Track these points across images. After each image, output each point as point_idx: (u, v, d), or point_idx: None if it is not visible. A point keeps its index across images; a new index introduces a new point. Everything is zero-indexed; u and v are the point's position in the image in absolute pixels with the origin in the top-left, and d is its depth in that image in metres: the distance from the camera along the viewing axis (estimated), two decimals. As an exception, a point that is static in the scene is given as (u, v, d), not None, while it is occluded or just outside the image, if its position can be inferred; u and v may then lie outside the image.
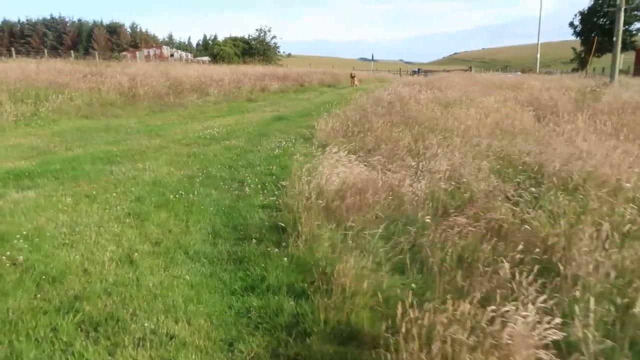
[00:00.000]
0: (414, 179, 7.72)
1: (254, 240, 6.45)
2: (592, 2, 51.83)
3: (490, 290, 3.52)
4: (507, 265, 3.74)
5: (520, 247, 4.31)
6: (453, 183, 7.50)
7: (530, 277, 3.55)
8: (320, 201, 6.76)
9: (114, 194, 8.13)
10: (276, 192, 8.61)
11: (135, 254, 5.79)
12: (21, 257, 5.38)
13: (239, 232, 6.92)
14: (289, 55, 68.22)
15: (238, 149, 12.34)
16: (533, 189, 6.70)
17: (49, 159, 10.97)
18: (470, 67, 56.82)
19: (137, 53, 79.80)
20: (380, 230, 5.99)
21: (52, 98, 17.98)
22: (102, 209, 7.31)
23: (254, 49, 64.64)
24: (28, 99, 17.53)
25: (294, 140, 13.43)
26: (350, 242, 5.83)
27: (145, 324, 4.24)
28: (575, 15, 53.82)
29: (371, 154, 10.13)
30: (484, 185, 7.05)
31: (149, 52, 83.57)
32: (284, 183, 8.69)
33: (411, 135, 11.33)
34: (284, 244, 6.21)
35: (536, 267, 3.68)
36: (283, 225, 6.75)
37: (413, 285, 4.71)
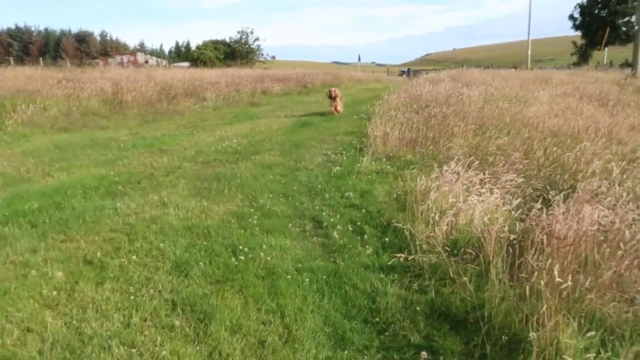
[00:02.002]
0: None
1: (423, 354, 3.42)
2: (591, -6, 50.42)
3: None
4: None
5: None
6: None
7: None
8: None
9: (134, 257, 4.91)
10: (387, 240, 5.53)
11: None
12: None
13: (380, 331, 3.85)
14: (274, 57, 64.83)
15: (279, 167, 9.18)
16: None
17: (20, 191, 7.61)
18: (463, 65, 54.54)
19: (110, 60, 75.45)
20: None
21: (22, 109, 14.47)
22: (122, 297, 4.10)
23: (236, 52, 61.15)
24: (-11, 110, 13.97)
25: (343, 152, 10.35)
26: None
27: None
28: (575, 7, 52.25)
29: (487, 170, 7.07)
30: None
31: (122, 59, 79.14)
32: (397, 223, 5.60)
33: (521, 141, 8.36)
34: None
35: None
36: (469, 319, 3.71)
37: None
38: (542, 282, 3.54)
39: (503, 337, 3.57)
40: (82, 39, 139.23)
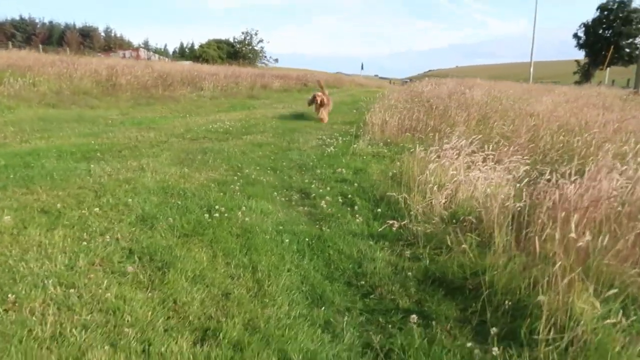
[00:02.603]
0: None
1: (412, 317, 2.92)
2: (597, 14, 50.13)
3: None
4: None
5: None
6: None
7: None
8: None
9: (96, 210, 4.40)
10: (379, 210, 5.04)
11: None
12: None
13: (365, 294, 3.36)
14: (276, 61, 64.59)
15: (271, 145, 8.70)
16: None
17: (-10, 152, 7.09)
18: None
19: (112, 54, 75.15)
20: None
21: (10, 81, 13.96)
22: (74, 242, 3.59)
23: (239, 53, 60.66)
24: (-24, 80, 13.47)
25: (339, 137, 9.88)
26: None
27: None
28: (580, 26, 52.05)
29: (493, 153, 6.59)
30: None
31: (124, 54, 78.75)
32: (391, 193, 5.12)
33: (526, 128, 7.91)
34: (494, 329, 2.68)
35: None
36: (468, 282, 3.22)
37: None
38: (555, 241, 3.05)
39: (506, 302, 3.08)
40: (87, 33, 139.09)
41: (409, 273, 3.65)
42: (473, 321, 3.05)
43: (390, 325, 3.00)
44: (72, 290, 2.82)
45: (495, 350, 2.66)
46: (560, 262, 2.83)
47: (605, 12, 50.61)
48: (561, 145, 7.10)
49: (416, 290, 3.45)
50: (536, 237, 3.39)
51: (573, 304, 2.81)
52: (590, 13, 69.70)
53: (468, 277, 3.49)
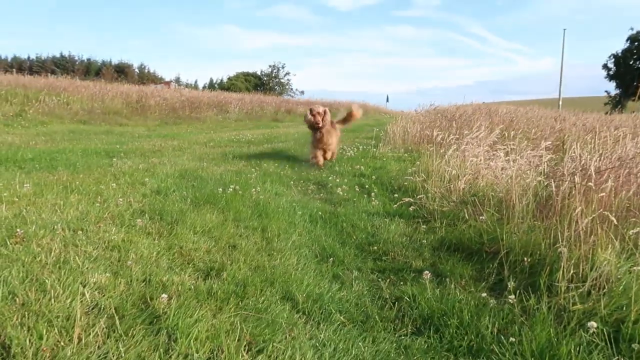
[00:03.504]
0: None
1: (426, 273, 2.80)
2: (626, 45, 49.49)
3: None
4: None
5: None
6: None
7: None
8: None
9: (113, 185, 4.45)
10: (396, 196, 4.94)
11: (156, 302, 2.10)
12: None
13: (377, 258, 3.26)
14: (302, 93, 65.51)
15: (290, 150, 8.75)
16: None
17: (19, 151, 7.31)
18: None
19: (144, 87, 77.82)
20: None
21: (45, 100, 14.56)
22: (87, 203, 3.61)
23: (266, 85, 62.03)
24: (14, 98, 14.10)
25: (360, 146, 9.87)
26: None
27: None
28: (609, 57, 51.34)
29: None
30: None
31: (156, 87, 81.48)
32: (408, 177, 5.03)
33: (551, 131, 7.73)
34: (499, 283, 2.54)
35: None
36: (484, 244, 3.10)
37: None
38: (576, 197, 2.91)
39: (525, 260, 2.93)
40: (122, 69, 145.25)
41: (424, 241, 3.54)
42: (490, 279, 2.90)
43: (401, 282, 2.89)
44: (79, 232, 2.82)
45: (512, 298, 2.51)
46: (580, 208, 2.69)
47: (636, 43, 49.92)
48: (591, 146, 6.89)
49: (430, 255, 3.33)
50: (558, 199, 3.26)
51: (595, 255, 2.65)
52: (619, 45, 68.98)
53: (485, 242, 3.35)
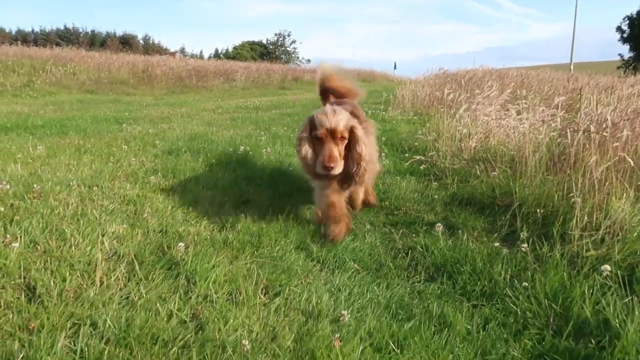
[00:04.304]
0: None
1: (438, 225, 2.81)
2: (641, 5, 48.08)
3: None
4: None
5: None
6: None
7: None
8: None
9: (124, 147, 4.47)
10: (406, 155, 4.93)
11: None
12: None
13: (389, 213, 3.26)
14: (309, 61, 64.57)
15: (299, 115, 8.69)
16: None
17: (29, 119, 7.34)
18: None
19: (150, 57, 77.05)
20: None
21: (51, 70, 14.50)
22: (100, 163, 3.64)
23: (272, 54, 61.26)
24: (21, 68, 14.06)
25: (369, 111, 9.74)
26: None
27: None
28: (624, 19, 49.81)
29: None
30: None
31: (161, 58, 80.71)
32: (422, 137, 5.01)
33: (564, 89, 7.61)
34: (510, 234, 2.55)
35: None
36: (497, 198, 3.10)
37: None
38: (591, 147, 2.89)
39: (538, 211, 2.93)
40: (126, 41, 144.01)
41: (435, 196, 3.54)
42: (502, 231, 2.91)
43: (413, 234, 2.90)
44: (95, 188, 2.86)
45: (525, 246, 2.52)
46: (595, 157, 2.66)
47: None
48: (606, 102, 6.78)
49: (442, 209, 3.33)
50: (572, 151, 3.24)
51: (609, 204, 2.64)
52: (634, 6, 66.77)
53: (497, 197, 3.35)
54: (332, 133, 2.45)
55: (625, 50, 50.50)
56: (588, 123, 3.47)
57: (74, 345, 1.41)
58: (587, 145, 3.13)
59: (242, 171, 3.71)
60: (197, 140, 5.11)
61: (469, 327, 1.87)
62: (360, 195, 3.07)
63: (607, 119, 2.98)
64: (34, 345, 1.37)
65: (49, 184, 2.86)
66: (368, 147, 2.59)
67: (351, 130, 2.52)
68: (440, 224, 2.90)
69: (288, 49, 65.11)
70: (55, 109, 10.14)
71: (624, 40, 50.57)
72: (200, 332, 1.55)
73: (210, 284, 1.83)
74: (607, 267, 2.13)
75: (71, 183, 2.90)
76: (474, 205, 3.35)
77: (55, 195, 2.67)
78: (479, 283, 2.23)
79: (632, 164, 2.56)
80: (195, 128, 6.30)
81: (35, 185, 2.73)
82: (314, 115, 2.56)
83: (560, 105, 5.57)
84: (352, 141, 2.54)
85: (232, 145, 4.74)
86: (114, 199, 2.73)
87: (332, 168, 2.41)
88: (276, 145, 5.03)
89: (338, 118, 2.46)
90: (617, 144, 2.80)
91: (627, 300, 1.95)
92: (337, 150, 2.46)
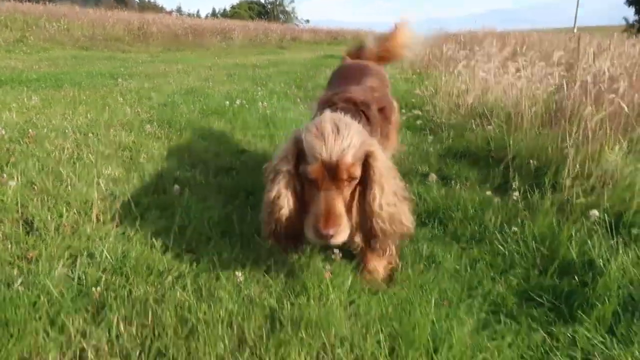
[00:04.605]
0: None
1: (431, 175, 2.84)
2: (649, -37, 46.57)
3: None
4: None
5: None
6: None
7: None
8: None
9: (120, 99, 4.45)
10: (403, 111, 4.90)
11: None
12: None
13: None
14: (308, 21, 63.15)
15: (297, 72, 8.59)
16: None
17: (23, 73, 7.24)
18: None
19: (145, 15, 75.39)
20: None
21: (45, 26, 14.18)
22: (95, 113, 3.63)
23: (270, 13, 59.93)
24: (13, 24, 13.74)
25: (368, 70, 9.57)
26: None
27: None
28: (629, -21, 48.72)
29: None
30: None
31: (157, 16, 78.96)
32: (419, 93, 4.98)
33: (566, 50, 7.48)
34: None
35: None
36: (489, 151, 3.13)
37: None
38: (587, 97, 2.88)
39: (532, 162, 2.95)
40: (121, 0, 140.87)
41: (430, 149, 3.56)
42: (495, 181, 2.94)
43: (407, 183, 2.92)
44: (90, 135, 2.87)
45: (516, 194, 2.56)
46: (590, 108, 2.67)
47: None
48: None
49: (437, 161, 3.35)
50: (568, 103, 3.24)
51: (602, 155, 2.66)
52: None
53: (492, 149, 3.37)
54: (334, 171, 1.45)
55: (631, 14, 49.48)
56: (586, 76, 3.46)
57: (72, 273, 1.45)
58: (584, 99, 3.12)
59: (238, 122, 3.70)
60: (193, 94, 5.07)
61: (457, 266, 1.92)
62: (379, 269, 1.78)
63: (604, 72, 2.96)
64: (33, 272, 1.41)
65: (45, 130, 2.86)
66: (389, 188, 1.55)
67: (366, 161, 1.52)
68: (433, 174, 2.93)
69: (287, 8, 63.65)
70: (49, 64, 9.98)
71: (629, 2, 49.48)
72: (195, 264, 1.59)
73: (205, 222, 1.87)
74: (595, 212, 2.18)
75: (67, 130, 2.90)
76: (468, 158, 3.37)
77: (50, 141, 2.68)
78: (469, 228, 2.28)
79: (626, 109, 2.56)
80: (191, 83, 6.24)
81: (30, 131, 2.73)
82: (301, 134, 1.54)
83: (557, 61, 5.51)
84: (367, 178, 1.53)
85: (229, 98, 4.71)
86: (109, 145, 2.74)
87: (332, 236, 1.43)
88: (272, 99, 5.00)
89: (344, 144, 1.46)
90: (613, 95, 2.80)
91: (612, 242, 2.00)
92: (341, 202, 1.48)
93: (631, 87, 3.14)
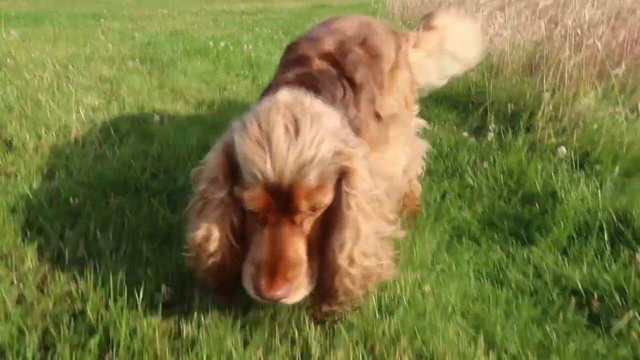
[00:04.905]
0: None
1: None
2: None
3: None
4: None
5: None
6: None
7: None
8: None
9: (102, 37, 4.37)
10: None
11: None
12: None
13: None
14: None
15: (285, 19, 8.44)
16: None
17: (2, 11, 7.01)
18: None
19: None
20: None
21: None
22: (76, 48, 3.58)
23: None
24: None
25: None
26: None
27: None
28: None
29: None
30: None
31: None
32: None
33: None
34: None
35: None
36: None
37: None
38: (566, 41, 2.91)
39: (509, 106, 3.00)
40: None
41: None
42: (473, 124, 2.99)
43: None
44: (70, 67, 2.85)
45: (491, 135, 2.62)
46: (568, 52, 2.71)
47: None
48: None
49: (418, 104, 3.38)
50: (550, 48, 3.26)
51: (576, 99, 2.72)
52: None
53: (472, 95, 3.41)
54: (287, 199, 0.94)
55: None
56: (567, 20, 3.47)
57: (50, 185, 1.50)
58: (564, 44, 3.15)
59: (222, 62, 3.68)
60: (177, 36, 5.00)
61: (427, 198, 2.00)
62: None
63: (584, 15, 2.98)
64: (12, 183, 1.45)
65: (23, 61, 2.83)
66: (369, 229, 1.01)
67: (341, 181, 1.00)
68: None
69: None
70: (29, 4, 9.67)
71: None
72: (173, 183, 1.65)
73: (184, 145, 1.91)
74: (563, 149, 2.26)
75: (46, 62, 2.88)
76: (449, 102, 3.41)
77: (29, 71, 2.66)
78: (443, 164, 2.35)
79: (599, 48, 2.60)
80: (176, 25, 6.11)
81: (8, 60, 2.71)
82: (235, 136, 0.98)
83: (544, 11, 5.49)
84: (336, 208, 1.00)
85: (213, 40, 4.65)
86: (90, 77, 2.74)
87: (282, 297, 0.96)
88: (258, 43, 4.95)
89: (305, 156, 0.92)
90: (593, 39, 2.82)
91: (575, 175, 2.09)
92: (298, 242, 0.99)
93: (612, 31, 3.17)
